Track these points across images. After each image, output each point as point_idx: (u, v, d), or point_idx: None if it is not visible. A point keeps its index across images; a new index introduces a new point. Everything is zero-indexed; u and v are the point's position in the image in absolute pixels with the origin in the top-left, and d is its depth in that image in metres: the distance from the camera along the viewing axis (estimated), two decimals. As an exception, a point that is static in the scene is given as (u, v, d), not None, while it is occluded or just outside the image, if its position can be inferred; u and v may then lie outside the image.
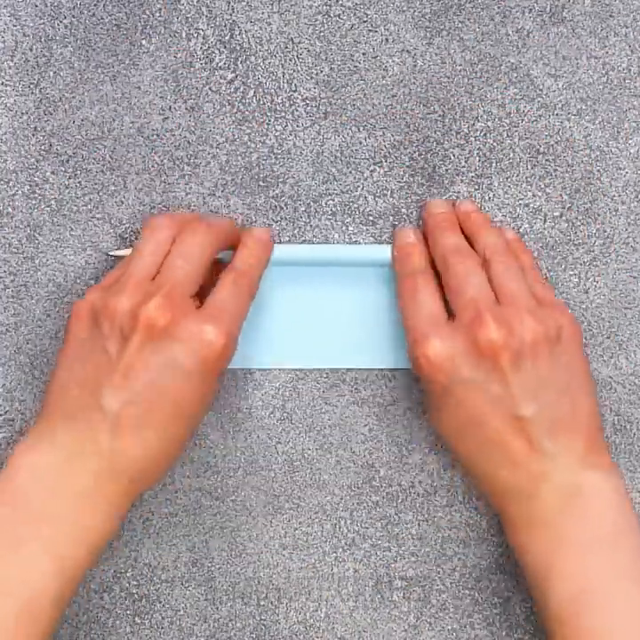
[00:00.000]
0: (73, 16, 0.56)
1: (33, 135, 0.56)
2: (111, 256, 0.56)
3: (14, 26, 0.56)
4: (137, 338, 0.48)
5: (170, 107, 0.57)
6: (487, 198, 0.57)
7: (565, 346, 0.50)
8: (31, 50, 0.56)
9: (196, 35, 0.57)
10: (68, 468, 0.48)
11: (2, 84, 0.56)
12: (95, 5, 0.57)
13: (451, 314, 0.51)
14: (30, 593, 0.46)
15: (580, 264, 0.57)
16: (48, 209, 0.56)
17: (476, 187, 0.57)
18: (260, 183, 0.57)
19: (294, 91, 0.57)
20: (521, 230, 0.57)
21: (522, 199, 0.57)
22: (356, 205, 0.57)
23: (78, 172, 0.57)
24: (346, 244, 0.56)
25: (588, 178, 0.57)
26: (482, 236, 0.54)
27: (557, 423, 0.49)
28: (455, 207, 0.56)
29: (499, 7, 0.57)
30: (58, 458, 0.48)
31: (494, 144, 0.57)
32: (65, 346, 0.51)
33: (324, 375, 0.57)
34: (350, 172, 0.57)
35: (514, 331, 0.48)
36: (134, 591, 0.57)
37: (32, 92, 0.56)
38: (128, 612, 0.57)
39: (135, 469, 0.49)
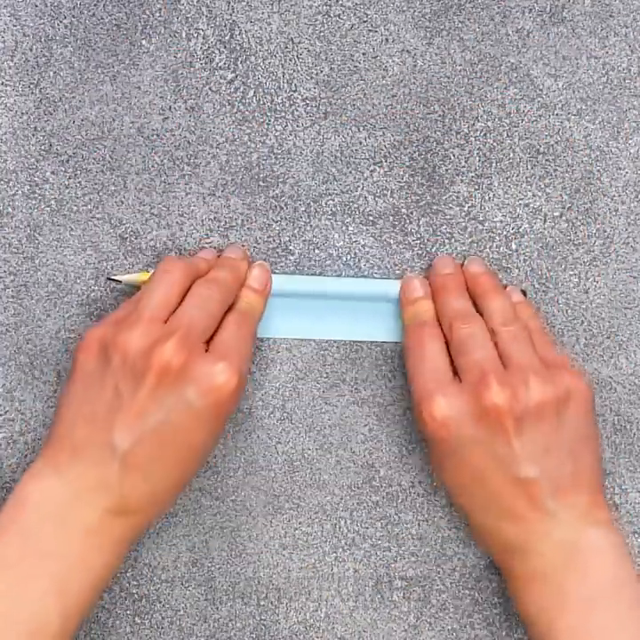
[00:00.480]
0: (73, 16, 0.56)
1: (33, 135, 0.56)
2: (111, 279, 0.56)
3: (14, 26, 0.56)
4: (150, 379, 0.48)
5: (170, 107, 0.57)
6: (487, 198, 0.57)
7: (574, 409, 0.50)
8: (31, 50, 0.56)
9: (195, 35, 0.57)
10: (76, 504, 0.48)
11: (2, 83, 0.56)
12: (95, 5, 0.57)
13: (456, 373, 0.51)
14: (34, 627, 0.46)
15: (580, 264, 0.57)
16: (48, 209, 0.56)
17: (476, 187, 0.57)
18: (260, 183, 0.57)
19: (294, 91, 0.57)
20: (521, 230, 0.57)
21: (522, 199, 0.57)
22: (355, 205, 0.57)
23: (78, 171, 0.57)
24: (351, 279, 0.56)
25: (588, 178, 0.57)
26: (489, 300, 0.53)
27: (560, 483, 0.49)
28: (463, 266, 0.56)
29: (499, 7, 0.57)
30: (66, 492, 0.48)
31: (494, 144, 0.57)
32: (73, 376, 0.50)
33: (324, 375, 0.57)
34: (350, 172, 0.57)
35: (518, 394, 0.49)
36: (134, 591, 0.57)
37: (32, 92, 0.56)
38: (128, 612, 0.57)
39: (142, 506, 0.49)
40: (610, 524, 0.50)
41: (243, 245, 0.56)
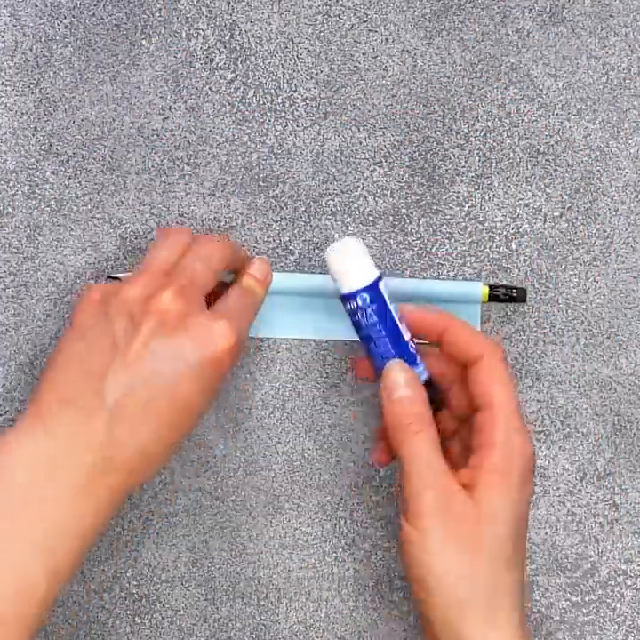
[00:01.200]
0: (73, 16, 0.56)
1: (33, 135, 0.56)
2: (111, 277, 0.56)
3: (14, 26, 0.56)
4: (147, 326, 0.47)
5: (170, 107, 0.57)
6: (487, 198, 0.57)
7: None
8: (31, 50, 0.56)
9: (195, 35, 0.57)
10: (63, 461, 0.46)
11: (2, 83, 0.56)
12: (95, 5, 0.57)
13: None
14: (20, 589, 0.44)
15: (580, 264, 0.57)
16: (48, 209, 0.56)
17: (476, 187, 0.57)
18: (260, 183, 0.57)
19: (294, 91, 0.57)
20: (521, 230, 0.57)
21: (522, 199, 0.57)
22: (355, 205, 0.57)
23: (78, 171, 0.57)
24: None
25: (588, 178, 0.57)
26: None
27: None
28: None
29: (499, 7, 0.57)
30: (51, 447, 0.46)
31: (494, 144, 0.57)
32: (69, 330, 0.49)
33: (324, 375, 0.57)
34: (350, 172, 0.57)
35: None
36: (134, 591, 0.57)
37: (32, 92, 0.56)
38: (128, 612, 0.57)
39: (130, 463, 0.47)
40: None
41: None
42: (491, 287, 0.56)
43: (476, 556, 0.47)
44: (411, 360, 0.50)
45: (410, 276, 0.57)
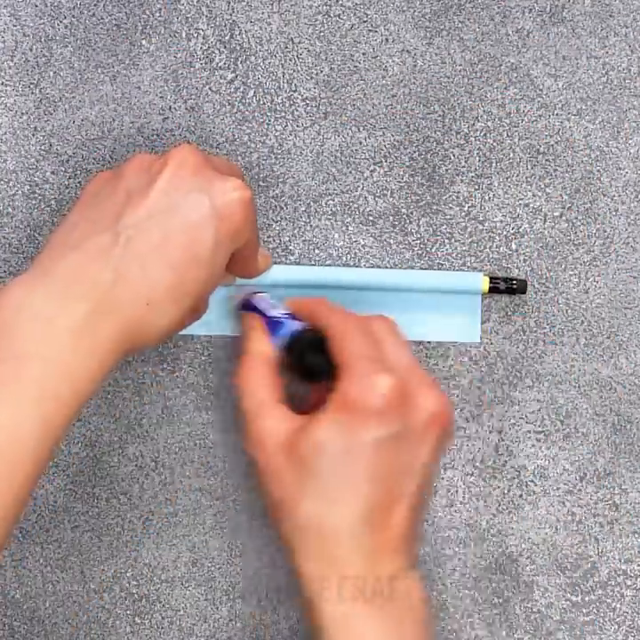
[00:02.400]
0: (73, 16, 0.56)
1: (33, 135, 0.56)
2: None
3: (14, 26, 0.56)
4: (166, 173, 0.46)
5: (170, 107, 0.57)
6: (487, 198, 0.57)
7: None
8: (31, 50, 0.56)
9: (195, 35, 0.57)
10: (61, 302, 0.44)
11: (2, 84, 0.56)
12: (95, 5, 0.57)
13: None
14: (10, 433, 0.42)
15: (580, 264, 0.57)
16: (48, 209, 0.56)
17: (476, 187, 0.57)
18: (260, 183, 0.57)
19: (294, 91, 0.57)
20: (521, 230, 0.57)
21: (522, 199, 0.57)
22: (355, 205, 0.57)
23: (78, 171, 0.57)
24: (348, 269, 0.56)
25: (588, 178, 0.57)
26: None
27: None
28: None
29: (499, 7, 0.57)
30: (52, 290, 0.44)
31: (494, 144, 0.57)
32: (75, 204, 0.48)
33: (324, 375, 0.57)
34: (350, 172, 0.57)
35: None
36: (134, 591, 0.57)
37: (32, 92, 0.56)
38: (128, 612, 0.57)
39: (138, 303, 0.45)
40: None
41: None
42: (491, 279, 0.56)
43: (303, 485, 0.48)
44: (275, 325, 0.54)
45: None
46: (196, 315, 0.50)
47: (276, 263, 0.57)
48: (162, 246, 0.45)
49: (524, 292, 0.56)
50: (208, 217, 0.46)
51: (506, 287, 0.56)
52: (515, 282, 0.56)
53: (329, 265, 0.57)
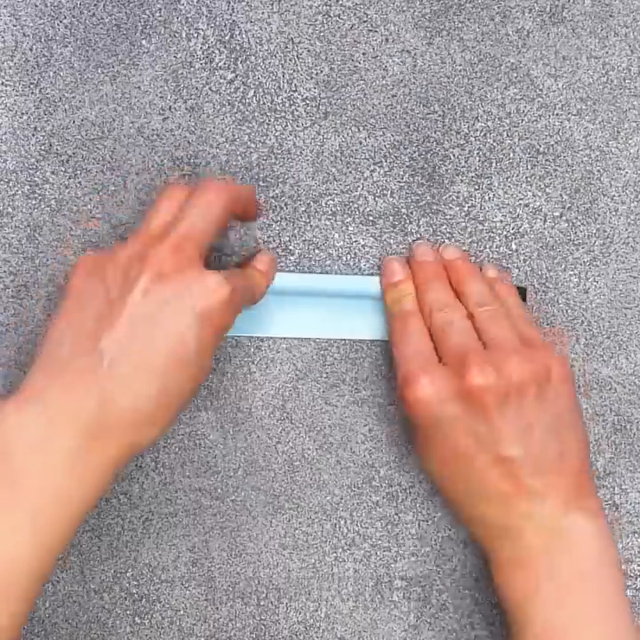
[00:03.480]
0: (73, 16, 0.56)
1: (33, 135, 0.56)
2: None
3: (14, 26, 0.56)
4: (143, 280, 0.46)
5: (170, 107, 0.57)
6: (487, 198, 0.57)
7: (555, 386, 0.50)
8: (31, 50, 0.56)
9: (195, 35, 0.57)
10: (54, 428, 0.45)
11: (2, 84, 0.56)
12: (95, 5, 0.57)
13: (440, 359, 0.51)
14: (6, 562, 0.43)
15: (580, 264, 0.57)
16: (48, 209, 0.56)
17: (476, 187, 0.57)
18: (260, 183, 0.57)
19: (294, 91, 0.57)
20: (521, 230, 0.57)
21: (522, 199, 0.57)
22: (355, 205, 0.57)
23: (78, 171, 0.57)
24: (338, 276, 0.56)
25: (588, 178, 0.57)
26: (465, 285, 0.54)
27: (544, 464, 0.49)
28: (440, 252, 0.56)
29: (499, 7, 0.57)
30: (44, 416, 0.45)
31: (494, 144, 0.57)
32: (62, 303, 0.49)
33: (324, 375, 0.57)
34: (350, 172, 0.57)
35: (501, 373, 0.49)
36: (134, 591, 0.57)
37: (32, 92, 0.56)
38: (128, 612, 0.57)
39: (127, 423, 0.46)
40: (596, 510, 0.49)
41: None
42: None
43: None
44: None
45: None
46: (188, 404, 0.51)
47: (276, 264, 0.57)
48: (145, 361, 0.46)
49: (523, 300, 0.56)
50: (189, 324, 0.47)
51: None
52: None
53: (329, 265, 0.57)
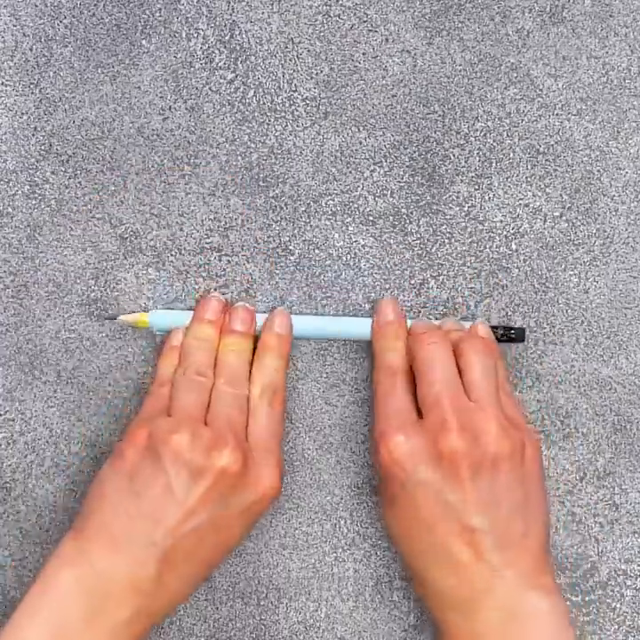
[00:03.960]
0: (73, 16, 0.56)
1: (33, 135, 0.56)
2: (120, 321, 0.56)
3: (14, 26, 0.56)
4: (207, 483, 0.49)
5: (170, 107, 0.57)
6: (487, 198, 0.57)
7: (527, 466, 0.50)
8: (31, 50, 0.56)
9: (195, 35, 0.57)
10: (107, 601, 0.47)
11: (2, 84, 0.56)
12: (95, 5, 0.57)
13: (420, 412, 0.51)
14: None
15: (580, 264, 0.57)
16: (48, 209, 0.56)
17: (476, 187, 0.57)
18: (260, 183, 0.57)
19: (294, 91, 0.57)
20: (521, 230, 0.57)
21: (522, 199, 0.57)
22: (355, 205, 0.57)
23: (78, 171, 0.57)
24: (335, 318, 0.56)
25: (588, 178, 0.57)
26: (461, 334, 0.54)
27: (507, 539, 0.48)
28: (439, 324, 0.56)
29: (499, 7, 0.57)
30: (98, 586, 0.47)
31: (494, 144, 0.57)
32: (116, 465, 0.50)
33: (324, 375, 0.57)
34: (350, 172, 0.57)
35: (478, 441, 0.48)
36: (134, 591, 0.57)
37: (32, 92, 0.56)
38: (128, 612, 0.57)
39: (169, 606, 0.49)
40: (553, 590, 0.49)
41: (252, 306, 0.56)
42: (491, 327, 0.55)
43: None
44: None
45: (409, 277, 0.57)
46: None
47: (274, 263, 0.57)
48: (196, 553, 0.49)
49: (522, 341, 0.56)
50: (241, 516, 0.50)
51: (503, 336, 0.55)
52: (513, 331, 0.55)
53: (329, 265, 0.57)
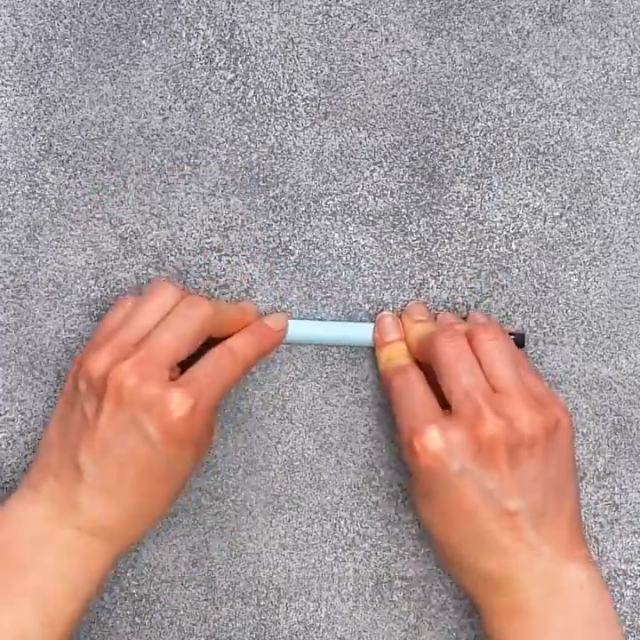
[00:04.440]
0: (73, 16, 0.56)
1: (33, 135, 0.56)
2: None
3: (14, 26, 0.56)
4: (109, 401, 0.49)
5: (170, 107, 0.57)
6: (487, 198, 0.57)
7: (559, 441, 0.50)
8: (31, 50, 0.56)
9: (195, 35, 0.57)
10: (52, 523, 0.49)
11: (2, 83, 0.56)
12: (95, 5, 0.57)
13: (445, 405, 0.51)
14: (15, 636, 0.47)
15: (580, 264, 0.57)
16: (48, 209, 0.56)
17: (476, 187, 0.57)
18: (260, 183, 0.57)
19: (294, 91, 0.57)
20: (521, 230, 0.57)
21: (522, 199, 0.57)
22: (355, 205, 0.57)
23: (78, 171, 0.57)
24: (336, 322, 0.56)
25: (588, 178, 0.57)
26: (476, 321, 0.54)
27: (544, 517, 0.49)
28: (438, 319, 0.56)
29: (499, 7, 0.57)
30: (42, 510, 0.49)
31: (494, 144, 0.57)
32: (56, 408, 0.52)
33: (324, 375, 0.57)
34: (350, 172, 0.57)
35: (512, 425, 0.49)
36: (134, 591, 0.57)
37: (32, 92, 0.56)
38: (128, 612, 0.57)
39: (112, 529, 0.49)
40: (589, 561, 0.50)
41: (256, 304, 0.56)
42: None
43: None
44: None
45: (409, 277, 0.57)
46: (171, 507, 0.53)
47: (274, 263, 0.57)
48: (121, 478, 0.49)
49: (522, 346, 0.55)
50: (151, 441, 0.49)
51: None
52: (513, 336, 0.55)
53: (329, 265, 0.57)
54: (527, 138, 0.57)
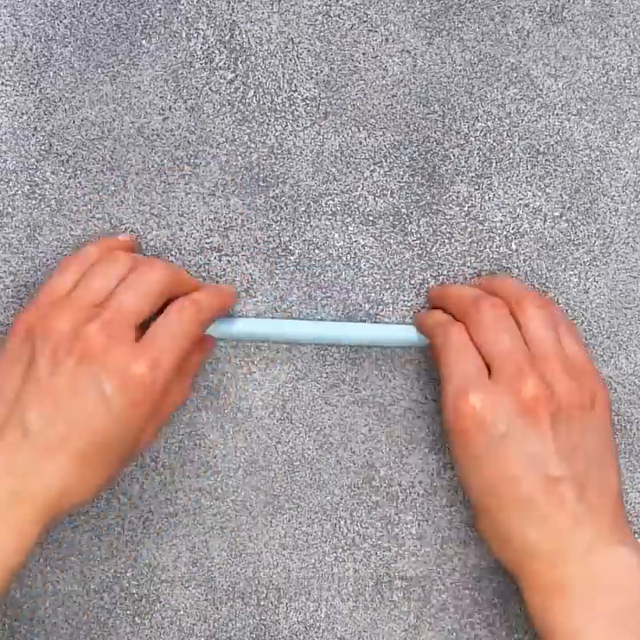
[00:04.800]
0: (73, 16, 0.56)
1: (33, 135, 0.56)
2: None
3: (14, 26, 0.56)
4: (71, 360, 0.48)
5: (170, 107, 0.57)
6: (487, 198, 0.57)
7: (597, 414, 0.50)
8: (31, 50, 0.56)
9: (195, 35, 0.57)
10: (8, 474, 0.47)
11: (2, 83, 0.56)
12: (95, 5, 0.57)
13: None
14: None
15: (580, 264, 0.57)
16: (48, 209, 0.56)
17: (476, 187, 0.57)
18: (260, 183, 0.57)
19: (294, 91, 0.57)
20: (521, 230, 0.57)
21: (522, 199, 0.57)
22: (355, 205, 0.57)
23: (78, 171, 0.57)
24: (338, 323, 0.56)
25: (588, 178, 0.57)
26: (506, 284, 0.54)
27: (588, 490, 0.48)
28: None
29: (499, 7, 0.57)
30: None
31: (494, 144, 0.57)
32: (2, 352, 0.50)
33: (324, 375, 0.57)
34: (350, 172, 0.57)
35: (553, 389, 0.49)
36: (134, 591, 0.57)
37: (32, 92, 0.56)
38: (128, 612, 0.57)
39: (48, 496, 0.47)
40: (634, 543, 0.49)
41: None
42: None
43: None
44: None
45: (409, 277, 0.57)
46: (120, 473, 0.52)
47: (274, 263, 0.57)
48: (68, 441, 0.47)
49: None
50: (105, 402, 0.48)
51: None
52: None
53: (329, 265, 0.57)
54: (527, 138, 0.57)
